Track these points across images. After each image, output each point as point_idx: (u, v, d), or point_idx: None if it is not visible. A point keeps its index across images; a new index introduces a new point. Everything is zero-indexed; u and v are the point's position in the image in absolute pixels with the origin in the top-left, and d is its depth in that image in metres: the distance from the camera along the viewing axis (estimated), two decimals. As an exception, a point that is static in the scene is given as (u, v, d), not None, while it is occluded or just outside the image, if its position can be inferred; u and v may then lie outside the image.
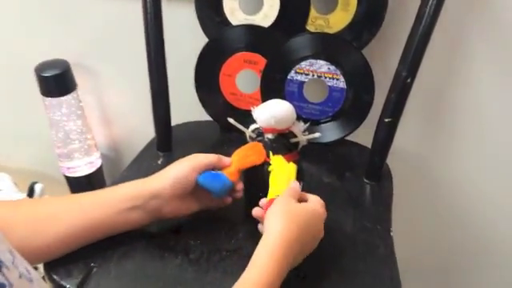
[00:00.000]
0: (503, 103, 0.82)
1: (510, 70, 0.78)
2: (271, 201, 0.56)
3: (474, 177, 0.91)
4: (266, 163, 0.62)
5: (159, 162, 0.77)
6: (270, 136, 0.63)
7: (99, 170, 1.13)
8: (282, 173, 0.60)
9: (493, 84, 0.80)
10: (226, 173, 0.61)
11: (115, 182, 0.71)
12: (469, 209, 0.96)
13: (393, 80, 0.68)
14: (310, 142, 0.67)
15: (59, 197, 0.60)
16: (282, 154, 0.63)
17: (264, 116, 0.62)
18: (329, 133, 0.79)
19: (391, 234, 0.63)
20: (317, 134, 0.65)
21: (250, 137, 0.67)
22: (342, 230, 0.63)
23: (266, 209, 0.56)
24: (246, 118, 0.82)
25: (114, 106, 1.09)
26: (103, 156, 1.15)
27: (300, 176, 0.64)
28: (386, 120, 0.69)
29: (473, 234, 0.99)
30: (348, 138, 0.80)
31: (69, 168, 1.09)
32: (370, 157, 0.72)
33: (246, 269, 0.49)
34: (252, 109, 0.65)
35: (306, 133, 0.66)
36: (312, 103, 0.78)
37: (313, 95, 0.79)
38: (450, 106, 0.85)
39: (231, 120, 0.65)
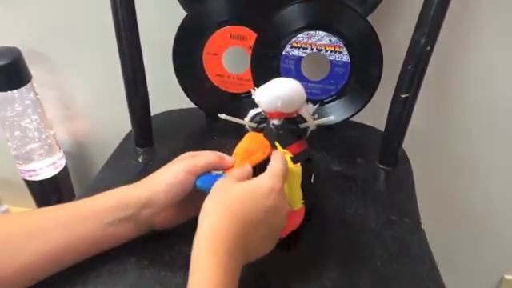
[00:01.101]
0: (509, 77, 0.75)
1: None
2: None
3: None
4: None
5: (140, 159, 0.66)
6: (275, 122, 0.53)
7: (64, 171, 1.00)
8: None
9: (505, 54, 0.74)
10: (227, 174, 0.50)
11: (90, 187, 0.60)
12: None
13: (409, 49, 0.59)
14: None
15: (29, 212, 0.49)
16: (291, 143, 0.53)
17: (268, 98, 0.52)
18: (333, 114, 0.69)
19: (422, 226, 0.55)
20: (331, 117, 0.55)
21: (250, 126, 0.56)
22: (365, 226, 0.55)
23: None
24: (236, 102, 0.72)
25: (76, 98, 0.96)
26: (67, 155, 1.02)
27: (311, 167, 0.55)
28: (403, 96, 0.60)
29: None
30: (353, 119, 0.70)
31: (29, 171, 0.96)
32: (384, 138, 0.63)
33: (190, 272, 0.41)
34: (252, 91, 0.54)
35: (316, 116, 0.57)
36: (312, 81, 0.69)
37: (312, 72, 0.69)
38: (460, 78, 0.78)
39: (223, 116, 0.55)
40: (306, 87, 0.67)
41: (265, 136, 0.54)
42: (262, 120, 0.55)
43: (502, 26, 0.72)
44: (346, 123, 0.69)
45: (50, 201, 1.01)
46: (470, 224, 0.97)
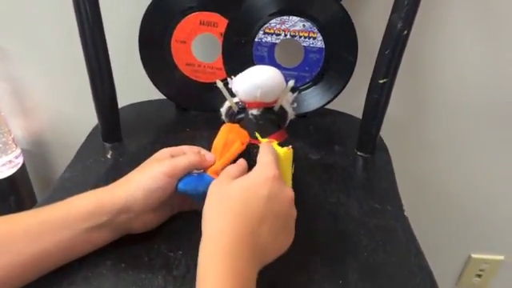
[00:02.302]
0: (483, 61, 0.76)
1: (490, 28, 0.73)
2: None
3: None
4: (252, 146, 0.50)
5: (108, 155, 0.62)
6: (254, 112, 0.51)
7: (22, 171, 0.94)
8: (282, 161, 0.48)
9: (471, 41, 0.74)
10: (209, 172, 0.48)
11: (57, 187, 0.56)
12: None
13: (385, 33, 0.58)
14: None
15: None
16: (271, 133, 0.51)
17: (247, 87, 0.49)
18: (308, 101, 0.68)
19: (405, 213, 0.54)
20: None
21: (229, 114, 0.54)
22: (349, 216, 0.54)
23: None
24: (208, 92, 0.69)
25: (33, 92, 0.90)
26: (25, 152, 0.96)
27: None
28: (381, 81, 0.59)
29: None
30: (329, 107, 0.69)
31: (-16, 172, 0.89)
32: (362, 125, 0.62)
33: (198, 278, 0.37)
34: (229, 80, 0.52)
35: (295, 104, 0.55)
36: (286, 68, 0.67)
37: (286, 59, 0.67)
38: (428, 64, 0.78)
39: (220, 84, 0.51)
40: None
41: (243, 127, 0.51)
42: (239, 110, 0.52)
43: (477, 8, 0.72)
44: (321, 111, 0.68)
45: (8, 202, 0.95)
46: (438, 205, 0.98)
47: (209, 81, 0.68)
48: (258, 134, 0.50)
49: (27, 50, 0.83)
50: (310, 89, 0.68)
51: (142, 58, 0.66)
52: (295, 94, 0.55)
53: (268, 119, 0.51)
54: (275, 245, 0.42)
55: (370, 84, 0.60)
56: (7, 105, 0.90)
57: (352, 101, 0.67)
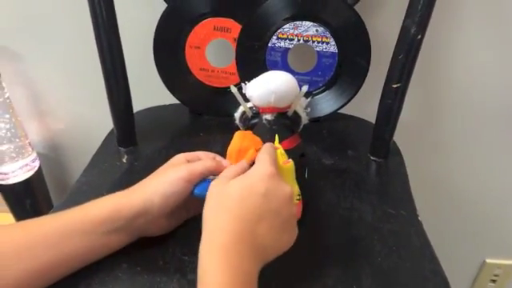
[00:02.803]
0: (496, 63, 0.76)
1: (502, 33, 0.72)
2: None
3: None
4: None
5: (124, 160, 0.63)
6: (268, 117, 0.51)
7: (38, 174, 0.95)
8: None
9: (484, 43, 0.74)
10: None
11: (73, 191, 0.57)
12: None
13: (399, 38, 0.58)
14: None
15: (15, 227, 0.45)
16: (284, 138, 0.51)
17: (261, 92, 0.50)
18: (321, 106, 0.68)
19: (419, 218, 0.54)
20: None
21: (243, 119, 0.54)
22: (362, 221, 0.54)
23: None
24: (221, 97, 0.70)
25: (49, 97, 0.91)
26: (42, 157, 0.97)
27: (305, 162, 0.53)
28: (394, 86, 0.59)
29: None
30: (342, 111, 0.69)
31: (0, 174, 0.91)
32: (376, 129, 0.62)
33: (198, 277, 0.37)
34: (243, 85, 0.52)
35: (308, 109, 0.55)
36: (299, 73, 0.67)
37: (299, 64, 0.67)
38: (440, 68, 0.77)
39: (234, 89, 0.51)
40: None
41: (256, 132, 0.52)
42: (254, 115, 0.53)
43: (490, 10, 0.72)
44: (334, 115, 0.68)
45: (24, 205, 0.96)
46: (452, 209, 0.98)
47: (222, 86, 0.69)
48: (276, 138, 0.50)
49: (44, 54, 0.85)
50: (323, 93, 0.68)
51: (156, 63, 0.67)
52: (309, 99, 0.55)
53: (282, 124, 0.52)
54: (276, 242, 0.42)
55: (384, 89, 0.60)
56: (24, 109, 0.92)
57: (365, 105, 0.67)
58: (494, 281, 1.09)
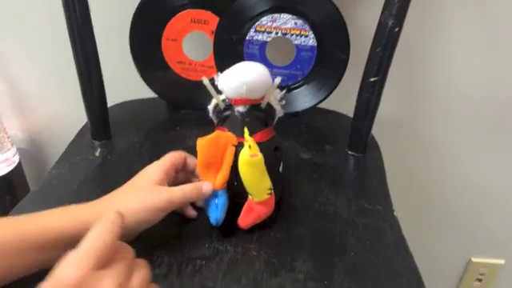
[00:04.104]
0: (482, 61, 0.75)
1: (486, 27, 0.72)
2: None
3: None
4: (239, 145, 0.49)
5: (97, 153, 0.61)
6: (240, 109, 0.50)
7: (18, 169, 0.94)
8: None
9: (466, 42, 0.73)
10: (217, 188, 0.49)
11: (44, 185, 0.56)
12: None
13: (376, 31, 0.57)
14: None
15: None
16: (257, 130, 0.50)
17: (233, 84, 0.49)
18: (300, 100, 0.67)
19: (395, 213, 0.53)
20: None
21: (216, 111, 0.53)
22: (337, 215, 0.53)
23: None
24: (199, 90, 0.68)
25: (27, 89, 0.90)
26: (21, 151, 0.96)
27: (279, 156, 0.52)
28: (372, 79, 0.58)
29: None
30: (320, 106, 0.68)
31: (-22, 170, 0.89)
32: (354, 124, 0.62)
33: None
34: (216, 77, 0.51)
35: (283, 102, 0.54)
36: (277, 67, 0.66)
37: (278, 57, 0.66)
38: (423, 65, 0.76)
39: (206, 81, 0.50)
40: (271, 73, 0.65)
41: (228, 124, 0.51)
42: (226, 107, 0.52)
43: (476, 6, 0.71)
44: (313, 110, 0.67)
45: (4, 201, 0.95)
46: (437, 208, 0.97)
47: (200, 79, 0.68)
48: (246, 130, 0.49)
49: (23, 50, 0.83)
50: (302, 87, 0.67)
51: (132, 55, 0.66)
52: (283, 92, 0.54)
53: (255, 116, 0.51)
54: None
55: (362, 82, 0.59)
56: (3, 104, 0.90)
57: (345, 100, 0.66)
58: (479, 280, 1.08)
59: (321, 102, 0.67)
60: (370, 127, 0.61)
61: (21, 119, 0.94)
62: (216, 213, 0.49)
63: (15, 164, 0.93)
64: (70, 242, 0.37)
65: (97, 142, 0.64)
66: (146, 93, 0.69)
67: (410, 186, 0.93)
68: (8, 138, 0.91)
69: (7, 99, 0.91)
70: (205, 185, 0.48)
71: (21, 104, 0.91)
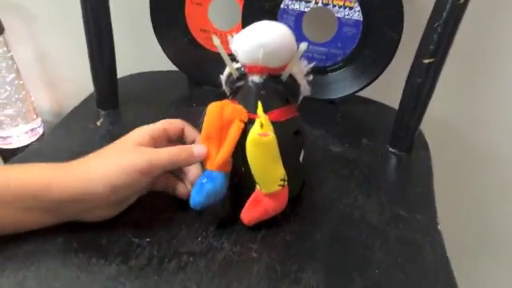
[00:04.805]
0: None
1: None
2: None
3: None
4: (250, 122, 0.40)
5: (98, 123, 0.54)
6: (255, 78, 0.41)
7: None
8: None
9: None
10: (209, 167, 0.40)
11: (29, 152, 0.49)
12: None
13: (436, 2, 0.46)
14: (311, 98, 0.45)
15: None
16: (275, 107, 0.41)
17: (248, 45, 0.40)
18: (337, 85, 0.57)
19: (438, 227, 0.42)
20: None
21: (229, 82, 0.44)
22: (364, 221, 0.42)
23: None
24: (221, 64, 0.60)
25: (58, 61, 0.86)
26: (46, 124, 0.92)
27: (300, 142, 0.43)
28: (426, 61, 0.47)
29: None
30: (361, 94, 0.58)
31: (3, 138, 0.86)
32: (399, 115, 0.51)
33: None
34: (229, 37, 0.42)
35: (310, 76, 0.44)
36: (314, 43, 0.56)
37: (316, 32, 0.57)
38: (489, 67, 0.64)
39: (216, 41, 0.42)
40: (307, 50, 0.56)
41: (240, 97, 0.42)
42: (240, 76, 0.43)
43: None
44: (352, 98, 0.57)
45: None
46: (492, 229, 0.83)
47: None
48: (259, 105, 0.40)
49: (58, 17, 0.79)
50: (341, 70, 0.57)
51: (152, 20, 0.59)
52: (311, 65, 0.44)
53: (273, 90, 0.41)
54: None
55: (413, 64, 0.48)
56: (32, 73, 0.87)
57: (391, 89, 0.55)
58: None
59: (363, 88, 0.57)
60: (419, 120, 0.50)
61: (48, 91, 0.91)
62: (197, 194, 0.40)
63: (39, 135, 0.90)
64: (31, 201, 0.35)
65: (102, 112, 0.57)
66: (165, 65, 0.61)
67: (457, 198, 0.79)
68: (34, 108, 0.88)
69: (37, 69, 0.87)
70: (196, 148, 0.39)
71: (49, 73, 0.87)
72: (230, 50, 0.42)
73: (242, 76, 0.43)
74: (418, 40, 0.48)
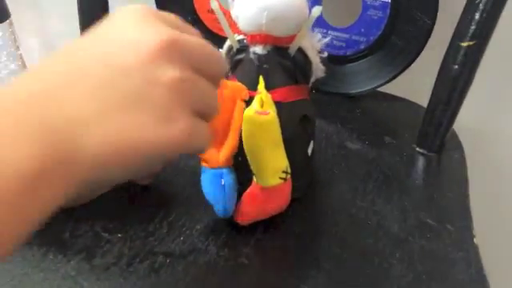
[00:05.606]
0: None
1: None
2: None
3: None
4: (250, 100, 0.33)
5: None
6: (258, 49, 0.35)
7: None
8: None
9: None
10: (211, 164, 0.34)
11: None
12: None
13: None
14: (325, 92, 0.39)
15: None
16: (279, 85, 0.34)
17: (249, 9, 0.34)
18: (359, 78, 0.50)
19: (475, 240, 0.34)
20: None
21: (229, 56, 0.38)
22: (382, 228, 0.35)
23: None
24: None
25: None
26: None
27: (308, 130, 0.36)
28: (465, 44, 0.40)
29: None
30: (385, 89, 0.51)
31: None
32: (430, 110, 0.43)
33: None
34: (230, 1, 0.36)
35: (325, 53, 0.38)
36: (335, 29, 0.50)
37: (336, 16, 0.50)
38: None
39: (214, 4, 0.35)
40: (326, 36, 0.49)
41: (239, 72, 0.36)
42: (241, 48, 0.36)
43: None
44: (375, 92, 0.50)
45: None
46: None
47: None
48: (261, 80, 0.33)
49: (63, 5, 0.75)
50: (364, 60, 0.50)
51: (156, 2, 0.54)
52: (327, 40, 0.37)
53: (277, 64, 0.35)
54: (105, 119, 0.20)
55: (449, 48, 0.41)
56: (36, 58, 0.83)
57: (421, 84, 0.48)
58: None
59: (387, 82, 0.49)
60: (454, 117, 0.42)
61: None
62: (224, 199, 0.33)
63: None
64: None
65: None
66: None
67: (494, 207, 0.70)
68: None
69: (42, 54, 0.83)
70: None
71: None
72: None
73: (243, 47, 0.36)
74: (454, 26, 0.41)
